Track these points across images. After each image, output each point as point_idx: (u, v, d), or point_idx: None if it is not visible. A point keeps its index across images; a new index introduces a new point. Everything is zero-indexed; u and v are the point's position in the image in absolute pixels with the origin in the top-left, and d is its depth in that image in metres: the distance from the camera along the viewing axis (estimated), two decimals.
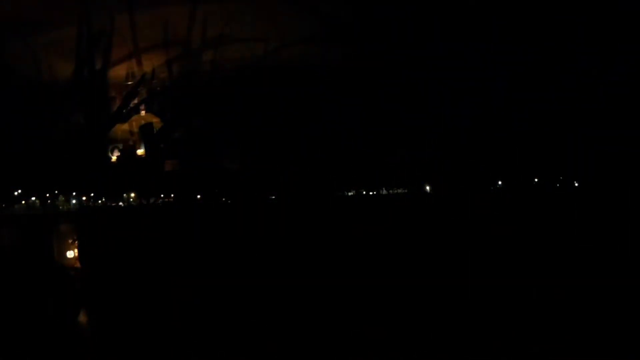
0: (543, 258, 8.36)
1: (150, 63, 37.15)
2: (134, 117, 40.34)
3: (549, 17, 24.25)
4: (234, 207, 49.78)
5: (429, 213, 20.68)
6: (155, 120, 40.67)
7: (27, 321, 6.16)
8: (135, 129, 39.42)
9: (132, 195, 39.01)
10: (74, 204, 36.11)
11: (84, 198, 36.23)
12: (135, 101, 38.90)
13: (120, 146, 40.29)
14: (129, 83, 38.82)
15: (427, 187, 42.43)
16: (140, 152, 40.26)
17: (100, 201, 40.94)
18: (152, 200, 35.93)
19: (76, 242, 23.44)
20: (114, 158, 39.57)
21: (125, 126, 39.80)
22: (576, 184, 48.52)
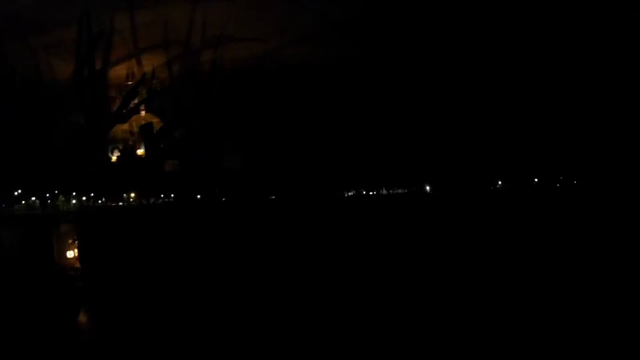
0: (543, 258, 8.35)
1: (150, 63, 37.13)
2: (134, 117, 40.32)
3: (549, 16, 24.20)
4: (233, 207, 49.74)
5: (429, 213, 20.66)
6: (155, 120, 40.65)
7: (27, 321, 6.17)
8: (135, 129, 39.39)
9: (132, 195, 38.98)
10: (74, 204, 36.08)
11: (84, 198, 36.20)
12: (135, 101, 38.86)
13: (120, 146, 40.27)
14: (129, 83, 38.80)
15: (427, 187, 42.36)
16: (140, 152, 40.24)
17: (100, 201, 40.92)
18: (152, 200, 35.89)
19: (76, 242, 23.44)
20: (114, 158, 39.56)
21: (125, 126, 39.79)
22: (576, 184, 48.54)
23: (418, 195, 40.54)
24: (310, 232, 17.37)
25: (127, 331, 4.95)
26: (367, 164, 51.91)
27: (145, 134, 39.21)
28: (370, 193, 65.07)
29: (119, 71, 38.50)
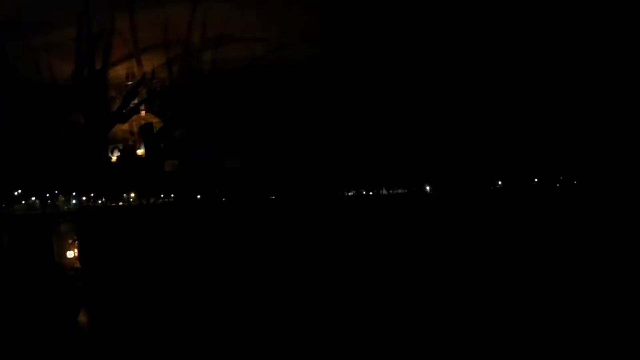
0: (543, 258, 8.34)
1: (150, 63, 37.13)
2: (134, 117, 40.31)
3: (549, 15, 24.13)
4: (233, 207, 49.77)
5: (429, 213, 20.66)
6: (155, 120, 40.64)
7: (27, 321, 6.17)
8: (136, 129, 39.38)
9: (132, 195, 38.97)
10: (73, 204, 36.07)
11: (84, 198, 36.19)
12: (135, 101, 38.85)
13: (120, 146, 40.26)
14: (129, 83, 38.78)
15: (427, 187, 42.34)
16: (140, 152, 40.22)
17: (100, 201, 40.93)
18: (152, 200, 35.88)
19: (76, 242, 23.44)
20: (114, 158, 39.55)
21: (125, 126, 39.77)
22: (575, 183, 48.58)
23: (418, 195, 40.50)
24: (310, 231, 17.39)
25: (127, 331, 4.95)
26: (367, 163, 51.96)
27: (145, 134, 39.18)
28: (370, 193, 65.11)
29: (118, 71, 38.52)
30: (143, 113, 42.48)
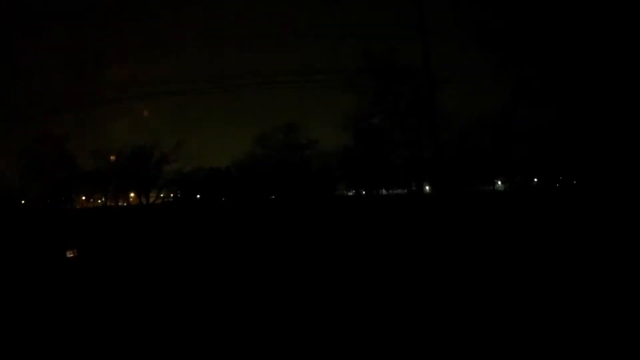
0: (543, 258, 8.38)
1: None
2: None
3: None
4: (234, 207, 49.89)
5: (429, 213, 20.64)
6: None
7: (27, 321, 6.17)
8: None
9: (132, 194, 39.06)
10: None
11: (83, 197, 36.22)
12: None
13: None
14: None
15: (427, 187, 42.33)
16: None
17: (100, 201, 41.03)
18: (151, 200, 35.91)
19: (76, 242, 23.48)
20: None
21: None
22: (575, 183, 48.59)
23: (418, 195, 40.46)
24: (310, 231, 17.36)
25: (127, 330, 4.99)
26: (367, 163, 51.99)
27: None
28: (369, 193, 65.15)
29: None
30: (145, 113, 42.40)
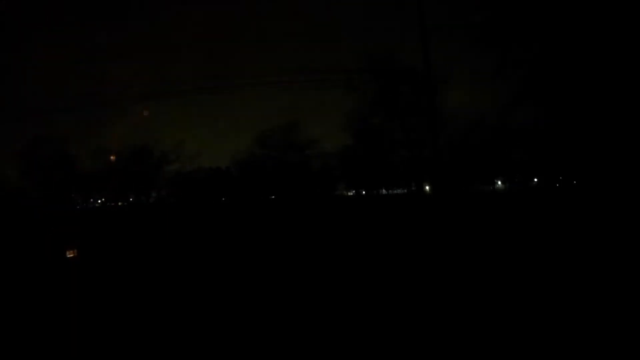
0: (543, 258, 8.36)
1: None
2: None
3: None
4: (234, 207, 49.92)
5: (429, 213, 20.65)
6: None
7: (27, 321, 6.16)
8: None
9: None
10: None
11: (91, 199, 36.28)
12: None
13: None
14: None
15: (427, 187, 42.34)
16: None
17: (100, 201, 41.05)
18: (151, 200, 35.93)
19: (76, 242, 23.48)
20: None
21: None
22: (575, 183, 48.60)
23: (418, 195, 40.46)
24: (310, 231, 17.36)
25: (126, 330, 4.97)
26: (367, 164, 52.01)
27: None
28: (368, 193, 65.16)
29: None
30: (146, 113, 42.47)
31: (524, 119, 32.94)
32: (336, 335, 4.87)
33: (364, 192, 68.69)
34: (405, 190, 67.21)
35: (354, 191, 73.22)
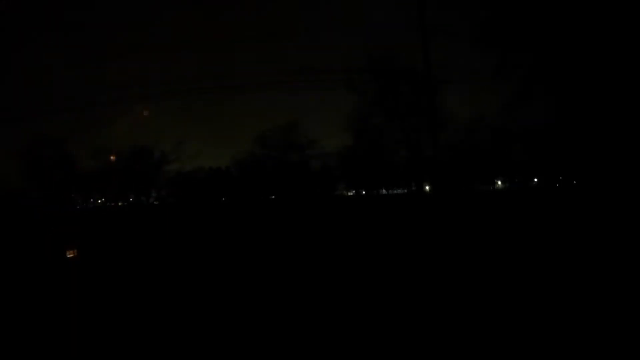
0: (543, 258, 8.36)
1: None
2: None
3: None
4: (234, 207, 49.88)
5: (429, 213, 20.66)
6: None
7: (26, 320, 6.17)
8: None
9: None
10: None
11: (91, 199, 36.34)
12: None
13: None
14: None
15: (427, 187, 42.36)
16: None
17: (100, 201, 41.07)
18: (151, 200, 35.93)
19: (76, 242, 23.49)
20: None
21: None
22: (575, 183, 48.63)
23: (418, 195, 40.45)
24: (310, 231, 17.37)
25: (126, 330, 4.98)
26: (367, 164, 52.02)
27: None
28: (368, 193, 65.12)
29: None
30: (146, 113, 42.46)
31: (524, 119, 33.07)
32: (336, 334, 4.88)
33: (364, 192, 68.71)
34: (405, 190, 67.23)
35: (354, 191, 73.25)
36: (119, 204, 65.55)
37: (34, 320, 6.10)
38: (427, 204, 27.00)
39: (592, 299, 5.63)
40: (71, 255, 11.74)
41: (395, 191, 75.64)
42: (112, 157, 52.94)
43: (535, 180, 60.72)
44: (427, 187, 42.60)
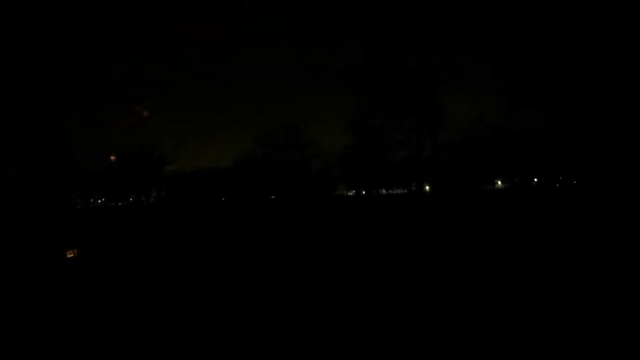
0: (543, 258, 8.35)
1: None
2: None
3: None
4: (234, 207, 49.89)
5: (429, 213, 20.64)
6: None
7: (26, 320, 6.17)
8: None
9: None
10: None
11: (91, 199, 36.35)
12: None
13: None
14: None
15: (427, 187, 42.36)
16: None
17: (100, 201, 41.07)
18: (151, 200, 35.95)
19: (76, 242, 23.48)
20: None
21: None
22: (575, 183, 48.63)
23: (418, 195, 40.44)
24: (311, 231, 17.37)
25: (126, 330, 4.97)
26: (367, 164, 52.00)
27: None
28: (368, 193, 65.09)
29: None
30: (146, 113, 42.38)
31: (524, 119, 33.07)
32: (336, 334, 4.88)
33: (364, 192, 68.67)
34: (405, 191, 67.22)
35: (354, 191, 73.21)
36: (119, 204, 65.56)
37: (34, 320, 6.10)
38: (427, 204, 27.01)
39: (592, 298, 5.64)
40: (71, 255, 11.74)
41: (395, 191, 75.62)
42: (112, 157, 52.98)
43: (535, 180, 60.69)
44: (427, 187, 42.63)
